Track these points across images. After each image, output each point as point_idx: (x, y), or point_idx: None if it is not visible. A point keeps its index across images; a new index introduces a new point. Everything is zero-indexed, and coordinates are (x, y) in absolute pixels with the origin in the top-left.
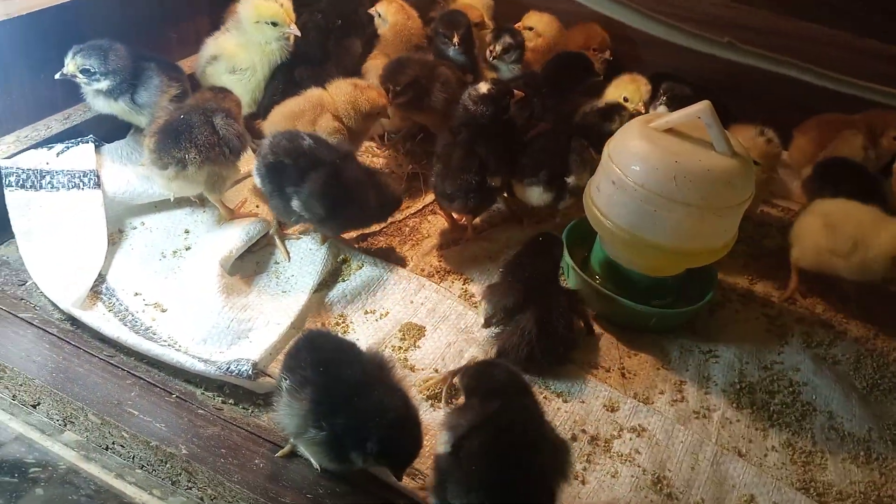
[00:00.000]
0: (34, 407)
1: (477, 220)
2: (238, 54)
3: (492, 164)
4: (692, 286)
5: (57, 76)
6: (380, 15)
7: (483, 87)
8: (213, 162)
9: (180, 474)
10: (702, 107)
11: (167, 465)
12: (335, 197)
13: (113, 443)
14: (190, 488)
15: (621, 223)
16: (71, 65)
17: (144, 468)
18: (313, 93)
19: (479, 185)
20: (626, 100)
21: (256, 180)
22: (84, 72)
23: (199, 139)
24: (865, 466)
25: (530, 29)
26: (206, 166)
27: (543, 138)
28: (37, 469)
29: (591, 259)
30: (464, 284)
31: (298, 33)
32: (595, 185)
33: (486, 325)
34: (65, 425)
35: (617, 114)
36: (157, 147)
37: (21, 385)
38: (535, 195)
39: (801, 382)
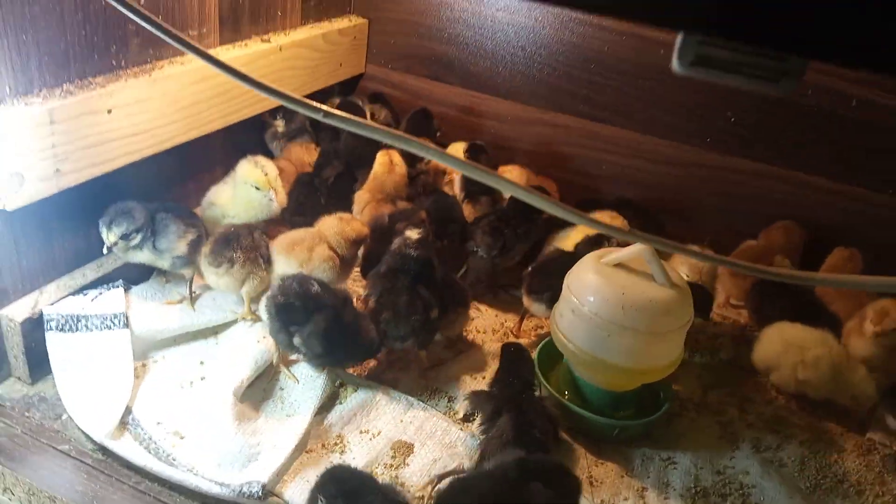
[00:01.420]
0: None
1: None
2: (227, 204)
3: (433, 301)
4: (651, 399)
5: (105, 251)
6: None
7: (414, 234)
8: (251, 262)
9: None
10: (644, 247)
11: None
12: (332, 338)
13: None
14: None
15: (581, 345)
16: (111, 236)
17: None
18: (311, 228)
19: (425, 322)
20: None
21: (264, 316)
22: (123, 237)
23: (244, 244)
24: None
25: None
26: (246, 266)
27: (556, 261)
28: None
29: (560, 376)
30: (448, 402)
31: (276, 201)
32: (559, 312)
33: (465, 419)
34: None
35: (606, 241)
36: (213, 251)
37: None
38: (541, 311)
39: (751, 485)
